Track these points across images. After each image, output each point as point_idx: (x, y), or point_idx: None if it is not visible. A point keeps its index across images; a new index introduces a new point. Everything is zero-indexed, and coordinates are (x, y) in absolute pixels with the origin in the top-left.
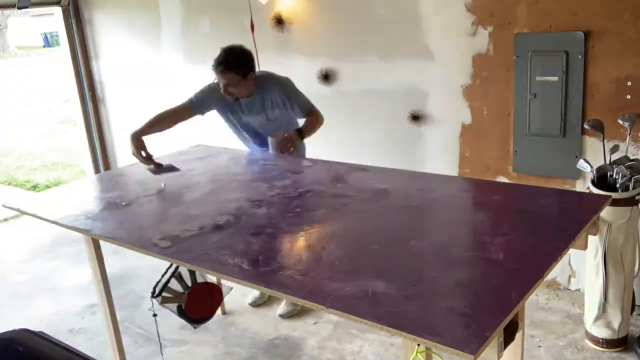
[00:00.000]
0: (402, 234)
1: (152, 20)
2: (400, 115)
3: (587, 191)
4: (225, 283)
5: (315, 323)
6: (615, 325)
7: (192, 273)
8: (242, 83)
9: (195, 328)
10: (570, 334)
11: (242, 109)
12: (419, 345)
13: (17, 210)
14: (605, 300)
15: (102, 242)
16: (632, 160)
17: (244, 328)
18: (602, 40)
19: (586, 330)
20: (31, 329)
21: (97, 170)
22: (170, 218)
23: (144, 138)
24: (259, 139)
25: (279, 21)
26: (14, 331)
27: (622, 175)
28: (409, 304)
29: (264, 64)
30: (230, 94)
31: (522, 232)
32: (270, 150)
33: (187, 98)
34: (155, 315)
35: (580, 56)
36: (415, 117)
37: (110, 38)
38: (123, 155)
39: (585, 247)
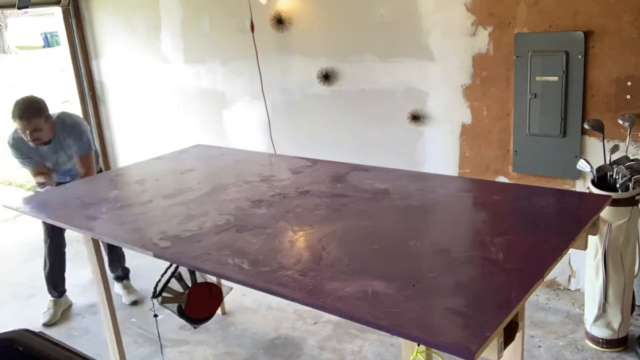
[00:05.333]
0: (402, 234)
1: (152, 20)
2: (400, 115)
3: (587, 191)
4: (225, 283)
5: (315, 323)
6: (615, 325)
7: (192, 273)
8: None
9: (195, 328)
10: (570, 334)
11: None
12: (419, 345)
13: (17, 210)
14: (605, 300)
15: (102, 242)
16: (632, 160)
17: (244, 328)
18: (602, 40)
19: (586, 330)
20: (31, 329)
21: (97, 170)
22: (170, 218)
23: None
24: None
25: (279, 21)
26: (14, 331)
27: (622, 175)
28: (409, 304)
29: (264, 63)
30: (32, 139)
31: (522, 232)
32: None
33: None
34: (156, 315)
35: (580, 56)
36: (415, 117)
37: (110, 38)
38: (123, 155)
39: (585, 247)
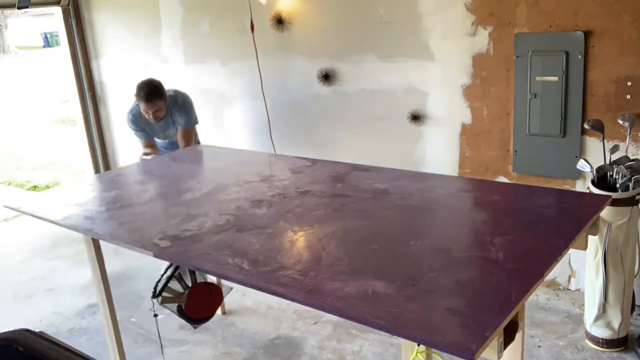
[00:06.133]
0: (402, 234)
1: (152, 20)
2: (400, 115)
3: (587, 191)
4: (225, 283)
5: (315, 323)
6: (615, 325)
7: (192, 273)
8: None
9: (195, 328)
10: (570, 334)
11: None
12: (419, 345)
13: (17, 210)
14: (605, 300)
15: (102, 242)
16: (632, 160)
17: (244, 328)
18: (602, 40)
19: (586, 330)
20: (31, 329)
21: (97, 170)
22: (170, 218)
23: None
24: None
25: (279, 21)
26: (14, 331)
27: (622, 175)
28: (409, 304)
29: (264, 64)
30: (153, 118)
31: (522, 232)
32: None
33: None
34: (156, 315)
35: (580, 56)
36: (415, 117)
37: (110, 38)
38: (123, 155)
39: (585, 247)
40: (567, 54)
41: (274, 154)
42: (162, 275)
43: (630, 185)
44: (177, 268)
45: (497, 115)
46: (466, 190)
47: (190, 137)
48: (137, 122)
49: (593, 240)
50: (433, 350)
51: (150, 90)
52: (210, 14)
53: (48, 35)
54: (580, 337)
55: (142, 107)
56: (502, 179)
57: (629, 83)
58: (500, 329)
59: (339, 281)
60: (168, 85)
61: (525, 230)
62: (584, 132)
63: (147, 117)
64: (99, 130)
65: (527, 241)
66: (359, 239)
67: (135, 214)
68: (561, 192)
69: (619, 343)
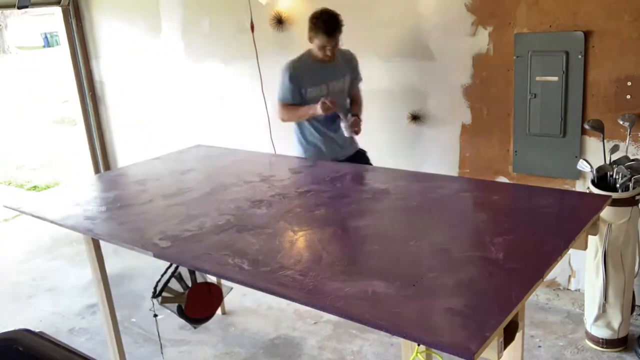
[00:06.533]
0: (402, 234)
1: (152, 20)
2: (400, 115)
3: (587, 191)
4: (225, 283)
5: (315, 323)
6: (615, 325)
7: (192, 273)
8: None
9: (195, 328)
10: (570, 334)
11: (327, 74)
12: (419, 345)
13: (17, 210)
14: (605, 300)
15: (102, 242)
16: (632, 160)
17: (244, 328)
18: (602, 40)
19: (586, 330)
20: (31, 329)
21: (97, 170)
22: (170, 218)
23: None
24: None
25: (279, 21)
26: (14, 331)
27: (622, 175)
28: (409, 304)
29: (264, 64)
30: (330, 55)
31: (522, 232)
32: (344, 131)
33: (281, 101)
34: (156, 315)
35: (580, 56)
36: (415, 117)
37: (110, 38)
38: (123, 155)
39: (585, 247)
40: (567, 54)
41: (274, 154)
42: (162, 276)
43: (630, 185)
44: (177, 268)
45: (497, 115)
46: (466, 190)
47: (361, 97)
48: (300, 75)
49: (593, 240)
50: (433, 350)
51: (333, 20)
52: (210, 14)
53: (48, 35)
54: (580, 337)
55: (321, 41)
56: (502, 179)
57: (629, 83)
58: (500, 329)
59: (339, 281)
60: (170, 84)
61: (525, 230)
62: (584, 132)
63: (321, 55)
64: (99, 130)
65: (527, 241)
66: (359, 239)
67: (135, 214)
68: (561, 192)
69: (619, 343)
